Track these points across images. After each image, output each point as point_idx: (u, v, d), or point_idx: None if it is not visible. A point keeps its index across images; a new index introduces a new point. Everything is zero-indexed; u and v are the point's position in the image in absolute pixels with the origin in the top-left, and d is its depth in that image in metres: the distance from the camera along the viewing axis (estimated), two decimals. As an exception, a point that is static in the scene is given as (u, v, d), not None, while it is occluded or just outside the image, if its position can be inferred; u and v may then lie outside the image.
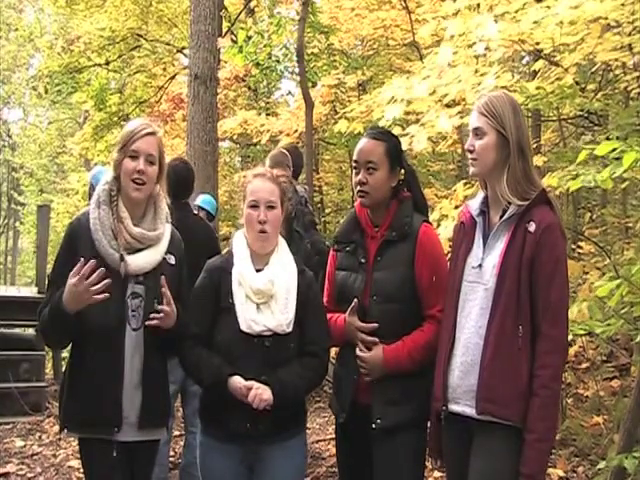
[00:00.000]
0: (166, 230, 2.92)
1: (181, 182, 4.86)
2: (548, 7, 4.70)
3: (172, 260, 2.92)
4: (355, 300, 2.91)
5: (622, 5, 4.41)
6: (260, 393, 2.68)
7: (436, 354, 2.73)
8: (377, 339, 2.88)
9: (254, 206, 2.84)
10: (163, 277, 2.77)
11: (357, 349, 2.87)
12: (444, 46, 5.17)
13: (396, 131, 4.60)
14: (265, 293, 2.79)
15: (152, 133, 2.84)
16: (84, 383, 2.76)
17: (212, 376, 2.77)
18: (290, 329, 2.79)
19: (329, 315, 2.98)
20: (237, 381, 2.71)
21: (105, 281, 2.61)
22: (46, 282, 7.65)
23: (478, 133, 2.64)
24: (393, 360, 2.84)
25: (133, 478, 2.87)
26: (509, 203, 2.60)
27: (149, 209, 2.90)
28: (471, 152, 2.66)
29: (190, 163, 5.63)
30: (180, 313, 2.83)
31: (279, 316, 2.78)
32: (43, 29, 20.49)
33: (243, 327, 2.75)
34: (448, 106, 5.04)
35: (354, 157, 3.02)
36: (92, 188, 6.70)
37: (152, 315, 2.73)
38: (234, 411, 2.74)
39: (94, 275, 2.60)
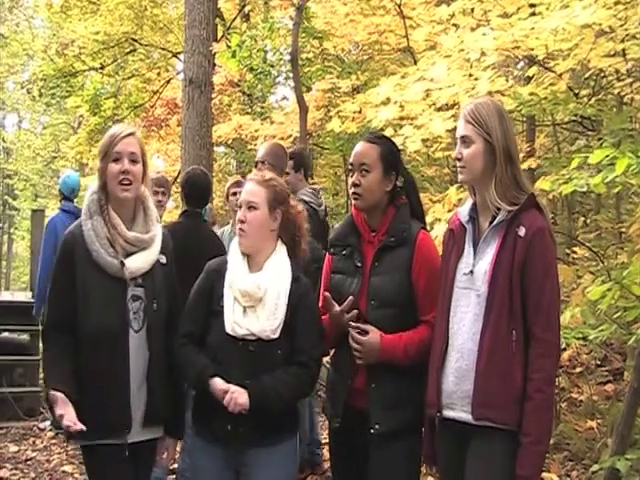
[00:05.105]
0: (158, 231, 2.97)
1: (198, 191, 4.90)
2: (541, 13, 4.73)
3: (164, 259, 2.96)
4: (350, 297, 2.89)
5: (614, 16, 4.44)
6: (236, 397, 2.70)
7: (428, 356, 2.73)
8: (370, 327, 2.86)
9: (240, 206, 2.92)
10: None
11: (351, 333, 2.83)
12: (439, 61, 5.17)
13: (389, 132, 4.60)
14: (252, 296, 2.79)
15: (131, 134, 2.88)
16: (89, 389, 2.75)
17: (195, 376, 2.82)
18: (276, 335, 2.78)
19: (323, 317, 2.96)
20: (217, 383, 2.74)
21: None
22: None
23: (465, 141, 2.65)
24: (389, 348, 2.82)
25: (137, 479, 2.90)
26: (498, 209, 2.60)
27: (138, 211, 2.93)
28: (459, 160, 2.68)
29: (209, 173, 5.65)
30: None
31: (264, 322, 2.78)
32: (35, 35, 20.46)
33: (228, 329, 2.78)
34: (439, 109, 5.06)
35: (350, 160, 3.05)
36: (61, 193, 6.71)
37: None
38: (217, 412, 2.75)
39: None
